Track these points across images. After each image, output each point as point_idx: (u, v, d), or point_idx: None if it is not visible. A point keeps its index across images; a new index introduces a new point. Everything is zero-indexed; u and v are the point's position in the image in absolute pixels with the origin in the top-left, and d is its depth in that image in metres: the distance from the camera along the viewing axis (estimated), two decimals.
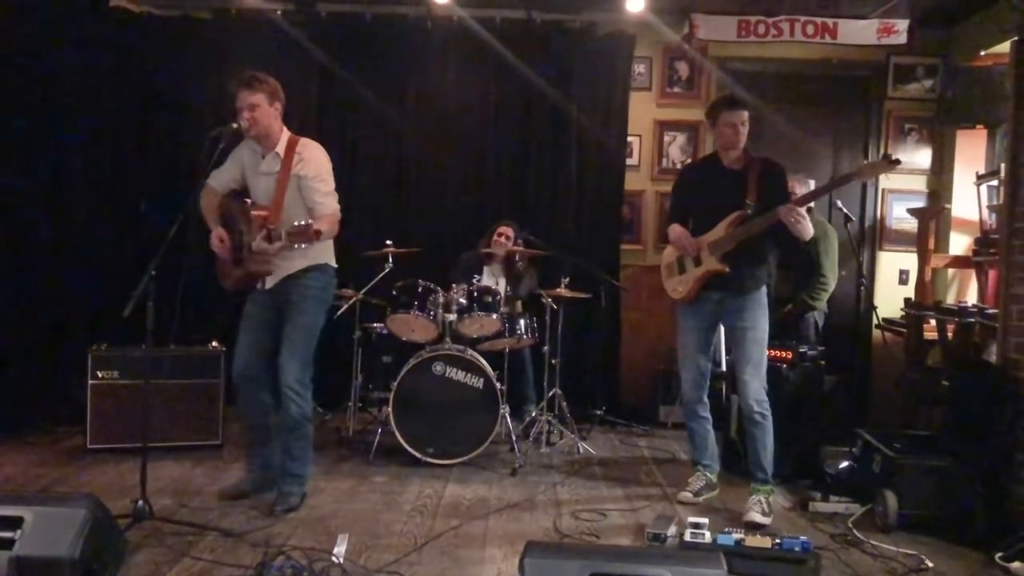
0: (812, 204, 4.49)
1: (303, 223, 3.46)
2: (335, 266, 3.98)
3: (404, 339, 5.01)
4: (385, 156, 6.29)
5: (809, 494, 4.18)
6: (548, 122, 6.24)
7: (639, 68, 6.35)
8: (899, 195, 6.34)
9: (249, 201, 3.79)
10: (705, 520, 3.32)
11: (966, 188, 5.99)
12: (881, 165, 3.85)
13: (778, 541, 3.22)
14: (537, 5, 6.09)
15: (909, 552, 3.53)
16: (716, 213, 4.05)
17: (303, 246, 3.62)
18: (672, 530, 3.45)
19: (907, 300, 5.59)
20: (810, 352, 4.76)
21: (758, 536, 3.28)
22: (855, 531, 3.77)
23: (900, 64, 6.27)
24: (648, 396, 6.20)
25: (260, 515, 3.74)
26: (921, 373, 5.27)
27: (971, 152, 6.10)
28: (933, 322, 5.21)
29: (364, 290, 5.08)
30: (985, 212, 5.69)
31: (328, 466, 4.63)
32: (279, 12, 6.11)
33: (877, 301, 6.04)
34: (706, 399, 4.30)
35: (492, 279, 5.60)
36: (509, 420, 4.96)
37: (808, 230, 3.87)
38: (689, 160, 6.13)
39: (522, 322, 5.06)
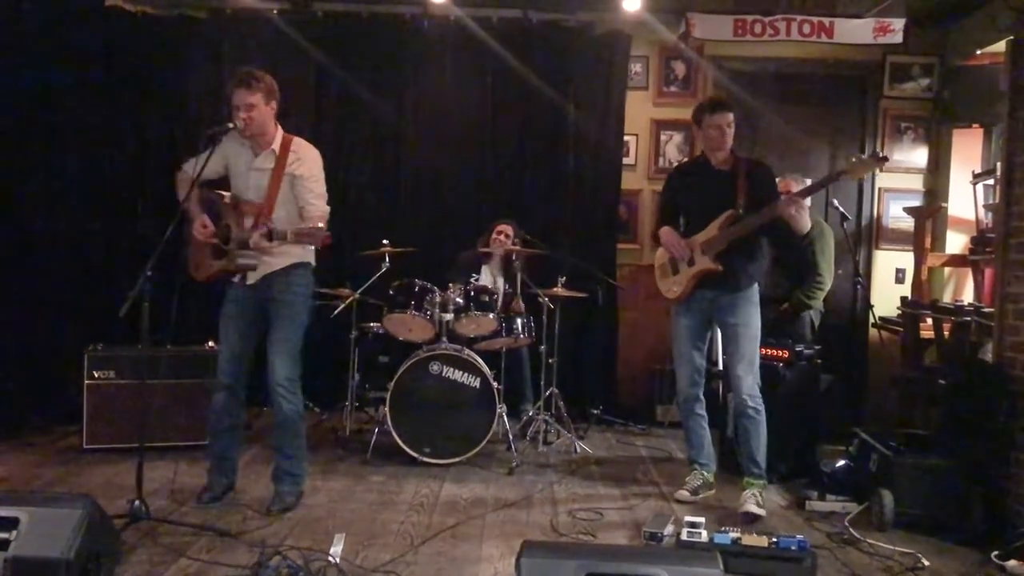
0: (809, 202, 4.49)
1: (317, 226, 3.52)
2: (314, 264, 3.97)
3: (401, 339, 5.01)
4: (382, 155, 6.28)
5: (806, 493, 4.18)
6: (545, 121, 6.24)
7: (635, 67, 6.35)
8: (895, 194, 6.34)
9: (226, 195, 3.80)
10: (702, 519, 3.32)
11: (962, 187, 5.99)
12: (870, 163, 3.86)
13: (775, 540, 3.22)
14: (534, 4, 6.09)
15: (906, 551, 3.54)
16: (707, 214, 4.08)
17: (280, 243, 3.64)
18: (669, 529, 3.46)
19: (903, 299, 5.60)
20: (807, 351, 4.77)
21: (755, 535, 3.28)
22: (852, 530, 3.77)
23: (896, 63, 6.28)
24: (645, 395, 6.21)
25: (256, 515, 3.74)
26: (917, 372, 5.28)
27: (967, 151, 6.11)
28: (929, 321, 5.22)
29: (361, 289, 5.08)
30: (981, 211, 5.70)
31: (325, 465, 4.63)
32: (275, 11, 6.09)
33: (874, 300, 6.05)
34: (702, 397, 4.31)
35: (490, 278, 5.60)
36: (506, 419, 4.96)
37: (807, 223, 3.91)
38: (685, 159, 6.13)
39: (519, 321, 5.05)
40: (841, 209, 5.64)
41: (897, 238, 6.33)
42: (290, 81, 5.89)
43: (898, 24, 5.84)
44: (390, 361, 5.28)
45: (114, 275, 5.66)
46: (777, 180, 4.35)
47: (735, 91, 6.17)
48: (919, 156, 6.35)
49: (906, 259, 6.13)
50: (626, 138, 6.33)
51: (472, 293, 4.87)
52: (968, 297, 5.76)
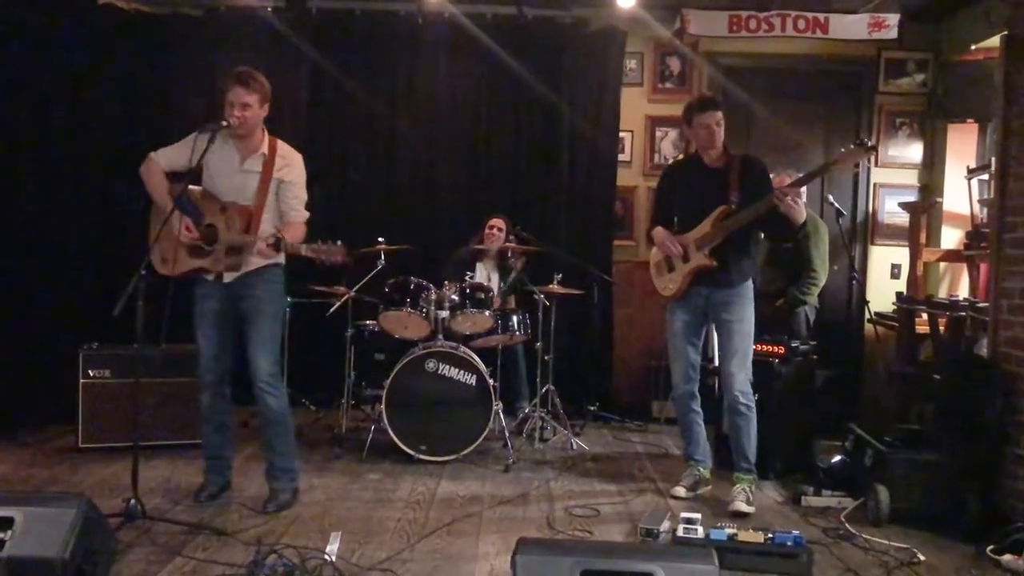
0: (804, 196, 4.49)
1: (335, 244, 3.60)
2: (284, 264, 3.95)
3: (397, 336, 5.01)
4: (376, 152, 6.27)
5: (801, 488, 4.19)
6: (540, 118, 6.24)
7: (631, 64, 6.35)
8: (891, 189, 6.35)
9: (195, 190, 3.78)
10: (698, 515, 3.33)
11: (957, 182, 6.00)
12: (858, 152, 3.86)
13: (770, 536, 3.23)
14: (528, 1, 6.08)
15: (901, 546, 3.54)
16: (701, 211, 4.09)
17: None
18: (665, 525, 3.46)
19: (899, 294, 5.61)
20: (802, 347, 4.78)
21: (750, 531, 3.28)
22: (847, 525, 3.78)
23: (891, 59, 6.28)
24: (641, 391, 6.21)
25: (252, 513, 3.74)
26: (913, 367, 5.29)
27: (962, 146, 6.11)
28: (925, 316, 5.23)
29: (356, 287, 5.07)
30: (976, 206, 5.71)
31: (321, 464, 4.63)
32: (269, 9, 6.08)
33: (869, 295, 6.05)
34: (697, 394, 4.31)
35: (484, 275, 5.59)
36: (502, 417, 4.95)
37: (801, 214, 3.91)
38: (680, 155, 6.13)
39: (515, 318, 5.06)
40: (836, 205, 5.64)
41: (892, 233, 6.34)
42: (284, 78, 5.92)
43: (893, 20, 5.84)
44: (386, 359, 5.27)
45: (109, 274, 5.63)
46: (772, 176, 4.35)
47: (730, 87, 6.18)
48: (914, 151, 6.36)
49: (901, 254, 6.13)
50: (621, 134, 6.32)
51: (468, 290, 4.87)
52: (963, 292, 5.76)
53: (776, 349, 4.71)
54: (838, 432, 4.67)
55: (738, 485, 4.05)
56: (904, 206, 6.02)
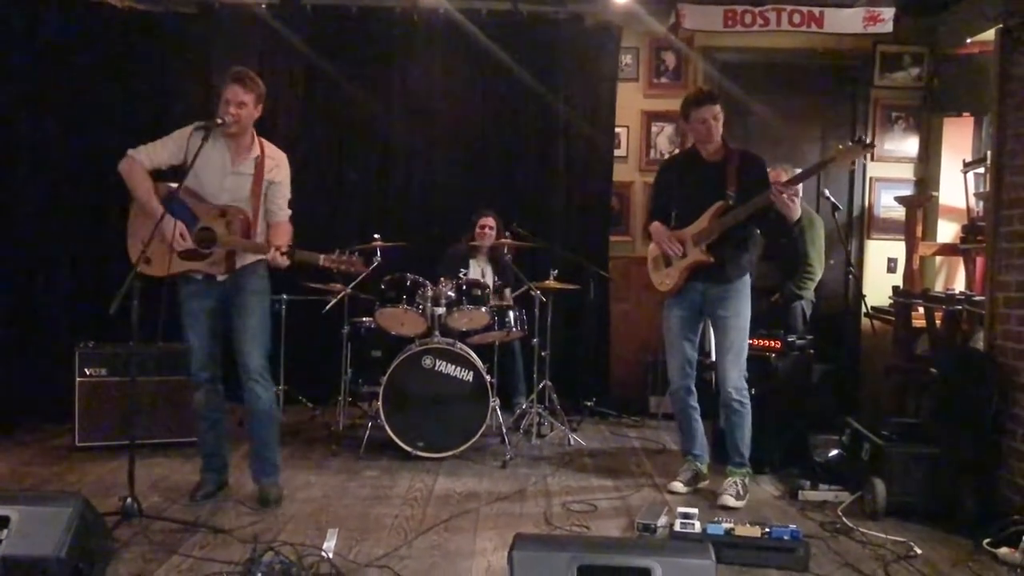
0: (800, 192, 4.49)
1: (353, 255, 3.65)
2: None
3: (393, 333, 5.00)
4: (372, 149, 6.26)
5: (798, 482, 4.19)
6: (535, 114, 6.23)
7: (626, 59, 6.34)
8: (887, 183, 6.35)
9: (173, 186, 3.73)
10: (695, 510, 3.33)
11: (953, 176, 6.01)
12: (856, 149, 3.86)
13: (767, 530, 3.23)
14: None
15: (898, 539, 3.55)
16: (698, 206, 4.08)
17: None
18: (662, 520, 3.46)
19: (895, 288, 5.61)
20: (799, 341, 4.78)
21: (748, 525, 3.29)
22: (844, 519, 3.78)
23: (886, 52, 6.28)
24: (638, 387, 6.21)
25: (249, 511, 3.74)
26: (909, 361, 5.30)
27: (958, 140, 6.13)
28: (921, 310, 5.23)
29: (352, 284, 5.06)
30: (972, 200, 5.71)
31: (318, 461, 4.63)
32: (264, 6, 6.06)
33: (865, 289, 6.06)
34: (694, 389, 4.31)
35: (478, 270, 5.59)
36: (499, 413, 4.96)
37: (797, 210, 3.91)
38: (677, 150, 6.12)
39: (511, 315, 5.05)
40: (832, 199, 5.64)
41: (888, 227, 6.35)
42: (280, 76, 5.91)
43: (888, 13, 5.84)
44: (382, 356, 5.27)
45: (104, 272, 5.62)
46: (768, 171, 4.35)
47: (725, 82, 6.18)
48: (910, 145, 6.37)
49: (897, 248, 6.14)
50: (617, 130, 6.32)
51: (464, 287, 4.87)
52: (959, 286, 5.77)
53: (772, 343, 4.71)
54: (835, 426, 4.68)
55: (729, 479, 4.08)
56: (900, 200, 6.02)
